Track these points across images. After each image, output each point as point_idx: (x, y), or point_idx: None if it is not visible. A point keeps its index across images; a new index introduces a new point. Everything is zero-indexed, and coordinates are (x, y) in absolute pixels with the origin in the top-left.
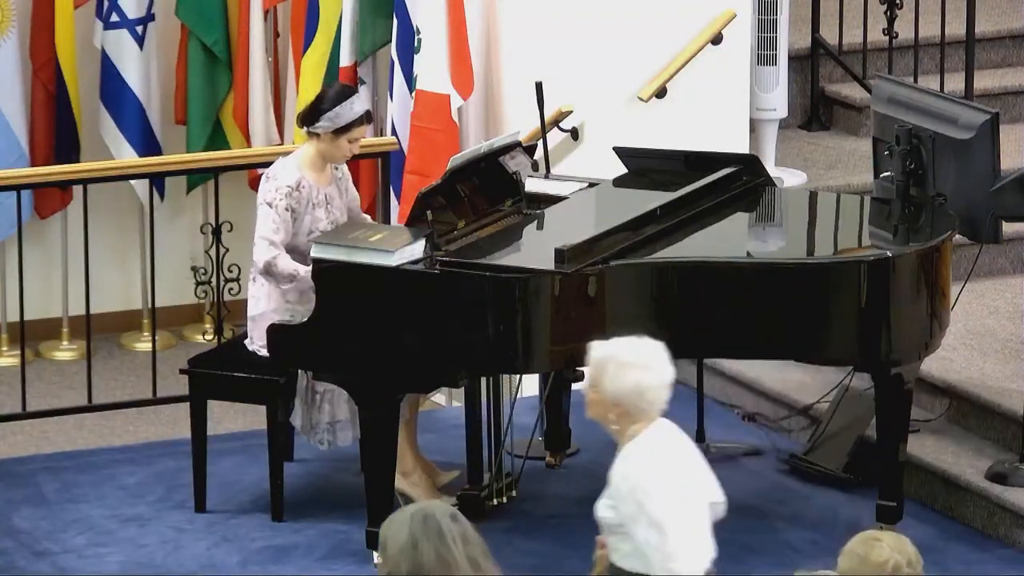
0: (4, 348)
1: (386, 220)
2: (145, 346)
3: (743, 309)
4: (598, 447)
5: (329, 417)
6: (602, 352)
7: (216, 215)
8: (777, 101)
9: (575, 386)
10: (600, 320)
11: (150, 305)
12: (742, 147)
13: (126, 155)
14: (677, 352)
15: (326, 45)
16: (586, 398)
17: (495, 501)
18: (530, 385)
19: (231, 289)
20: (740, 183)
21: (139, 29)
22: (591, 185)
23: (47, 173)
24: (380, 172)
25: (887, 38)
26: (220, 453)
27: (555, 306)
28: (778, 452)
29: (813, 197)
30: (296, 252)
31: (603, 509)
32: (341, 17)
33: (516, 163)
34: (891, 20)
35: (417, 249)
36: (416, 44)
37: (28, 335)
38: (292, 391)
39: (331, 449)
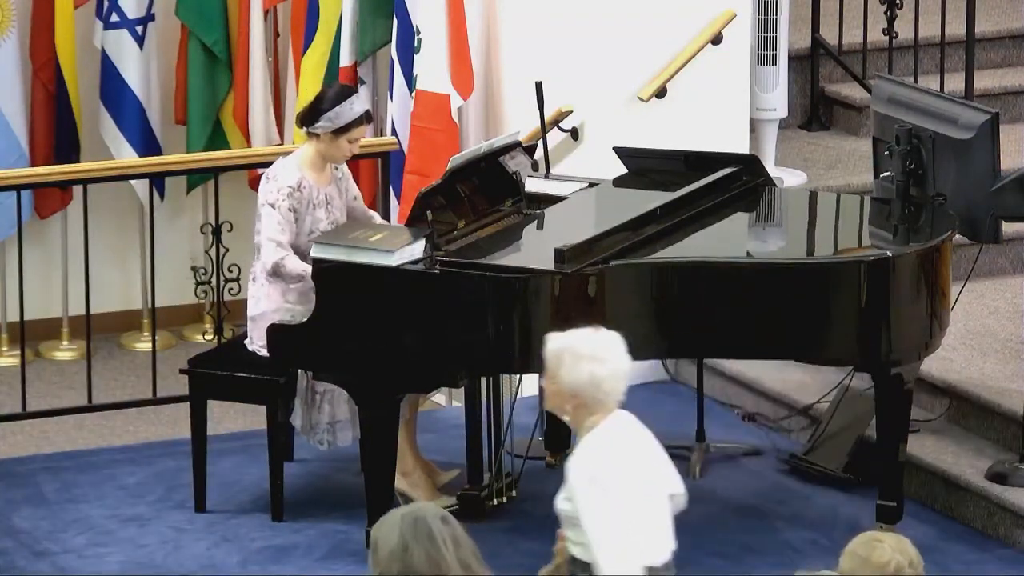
0: (4, 348)
1: (386, 220)
2: (145, 346)
3: (743, 309)
4: None
5: (329, 417)
6: (558, 344)
7: (216, 215)
8: (777, 101)
9: None
10: (600, 320)
11: (150, 305)
12: (742, 147)
13: (126, 155)
14: (677, 352)
15: (326, 45)
16: (544, 390)
17: (495, 501)
18: (530, 385)
19: (231, 289)
20: (740, 183)
21: (139, 29)
22: (591, 185)
23: (47, 173)
24: (380, 172)
25: (887, 38)
26: (220, 453)
27: (555, 306)
28: (778, 452)
29: (813, 197)
30: (297, 252)
31: (561, 501)
32: (341, 17)
33: (516, 163)
34: (891, 20)
35: (417, 249)
36: (416, 44)
37: (28, 335)
38: (292, 391)
39: (331, 449)
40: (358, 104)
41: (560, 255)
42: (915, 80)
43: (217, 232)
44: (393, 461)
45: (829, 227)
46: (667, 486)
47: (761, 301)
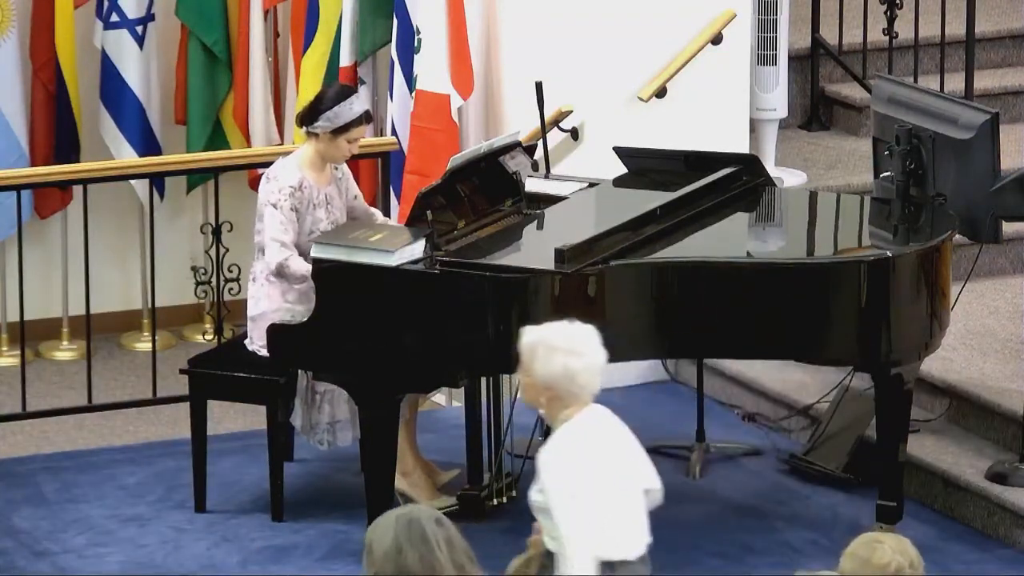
0: (4, 348)
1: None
2: (145, 346)
3: (743, 309)
4: None
5: (329, 417)
6: (533, 337)
7: (216, 215)
8: (777, 101)
9: None
10: (600, 320)
11: (150, 305)
12: (742, 147)
13: (126, 155)
14: (677, 352)
15: (326, 45)
16: (519, 383)
17: (495, 501)
18: None
19: (231, 289)
20: (740, 183)
21: (139, 29)
22: (591, 185)
23: (47, 173)
24: (380, 172)
25: (887, 38)
26: (220, 453)
27: (555, 306)
28: (778, 452)
29: (813, 197)
30: (298, 252)
31: (534, 493)
32: (341, 17)
33: (516, 163)
34: (891, 20)
35: (417, 249)
36: (416, 44)
37: (28, 335)
38: (292, 391)
39: (331, 449)
40: (357, 104)
41: (560, 255)
42: (915, 80)
43: (217, 232)
44: (393, 461)
45: (829, 227)
46: (643, 481)
47: (761, 301)
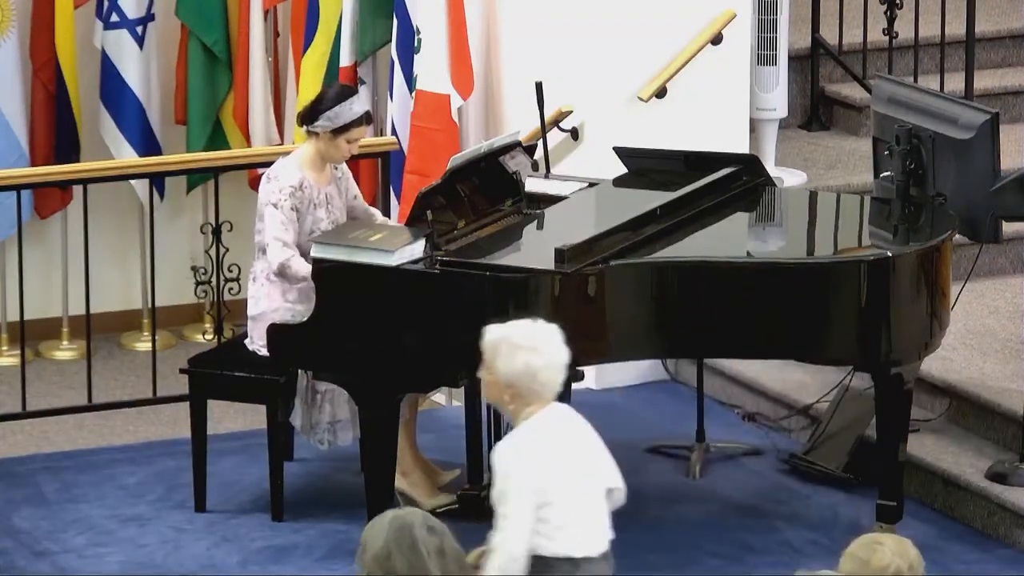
0: (4, 348)
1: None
2: (145, 346)
3: (743, 309)
4: None
5: (330, 417)
6: (495, 335)
7: (216, 215)
8: (777, 101)
9: (575, 386)
10: (600, 320)
11: (150, 305)
12: (742, 147)
13: (126, 155)
14: (677, 352)
15: (326, 45)
16: (482, 381)
17: None
18: None
19: (231, 289)
20: (740, 183)
21: (139, 29)
22: (591, 185)
23: (47, 173)
24: (380, 172)
25: (887, 38)
26: (220, 453)
27: (555, 306)
28: (778, 452)
29: (813, 197)
30: (299, 252)
31: (495, 490)
32: (341, 17)
33: (516, 163)
34: (891, 20)
35: (417, 249)
36: (416, 44)
37: (28, 335)
38: (292, 391)
39: (331, 449)
40: (357, 105)
41: (560, 255)
42: (915, 80)
43: (217, 232)
44: (393, 461)
45: (829, 227)
46: (605, 480)
47: (761, 301)
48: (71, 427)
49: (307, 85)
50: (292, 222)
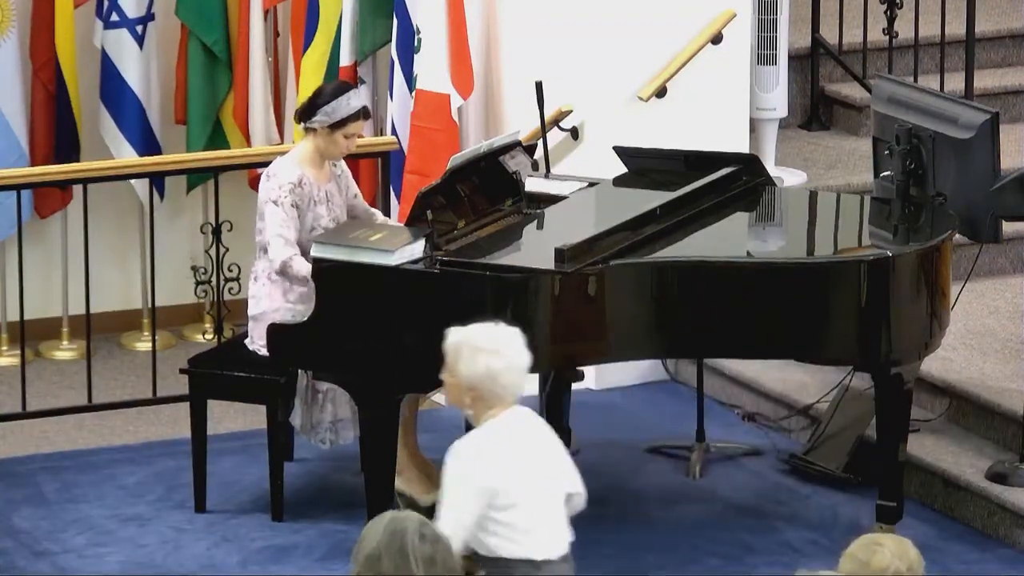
0: (4, 348)
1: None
2: (145, 346)
3: (743, 309)
4: (598, 447)
5: (331, 416)
6: (457, 337)
7: (216, 215)
8: (777, 101)
9: (575, 386)
10: (600, 320)
11: (150, 305)
12: (742, 147)
13: (126, 155)
14: (677, 352)
15: (326, 45)
16: (444, 383)
17: None
18: (530, 385)
19: (231, 289)
20: (740, 183)
21: (139, 29)
22: (591, 185)
23: (47, 173)
24: (380, 172)
25: (887, 38)
26: (220, 453)
27: (555, 306)
28: (778, 452)
29: (813, 197)
30: (299, 250)
31: None
32: (341, 17)
33: (516, 163)
34: (891, 20)
35: (417, 249)
36: (416, 44)
37: (28, 335)
38: (292, 391)
39: (332, 449)
40: (355, 99)
41: (560, 255)
42: (915, 80)
43: (217, 232)
44: (393, 461)
45: (829, 227)
46: (564, 484)
47: (761, 301)
48: (71, 427)
49: (307, 85)
50: (293, 219)
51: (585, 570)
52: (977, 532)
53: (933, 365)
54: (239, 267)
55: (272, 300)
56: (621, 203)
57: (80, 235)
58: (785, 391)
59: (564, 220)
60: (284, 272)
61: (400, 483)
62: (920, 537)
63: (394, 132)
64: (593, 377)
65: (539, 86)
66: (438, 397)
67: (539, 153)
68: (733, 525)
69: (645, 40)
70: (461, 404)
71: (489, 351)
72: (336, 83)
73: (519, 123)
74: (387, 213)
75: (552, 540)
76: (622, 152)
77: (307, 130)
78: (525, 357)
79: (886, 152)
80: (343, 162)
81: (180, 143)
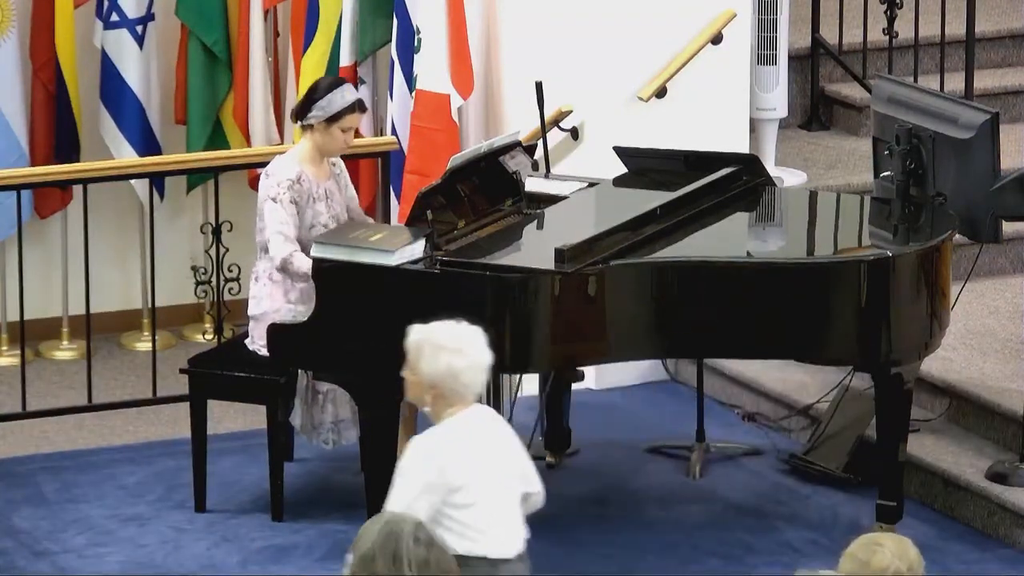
0: (4, 348)
1: (386, 220)
2: (145, 346)
3: (743, 309)
4: (598, 447)
5: (332, 417)
6: (419, 335)
7: (216, 215)
8: (777, 101)
9: (575, 386)
10: (600, 320)
11: (150, 305)
12: (742, 147)
13: (126, 155)
14: (677, 352)
15: (326, 45)
16: (405, 381)
17: None
18: (530, 385)
19: (231, 289)
20: (740, 183)
21: (139, 29)
22: (591, 185)
23: (47, 173)
24: (380, 172)
25: (887, 38)
26: (220, 453)
27: (555, 306)
28: (778, 452)
29: (813, 197)
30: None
31: None
32: (341, 17)
33: (516, 163)
34: (891, 20)
35: (417, 249)
36: (416, 44)
37: (28, 335)
38: (292, 391)
39: (332, 449)
40: (349, 93)
41: (560, 255)
42: (915, 80)
43: (217, 232)
44: (393, 461)
45: (829, 227)
46: (522, 484)
47: (761, 301)
48: (71, 427)
49: (307, 85)
50: (292, 216)
51: (585, 570)
52: (977, 532)
53: (933, 365)
54: (239, 267)
55: (273, 300)
56: (621, 203)
57: (80, 235)
58: (785, 391)
59: (564, 220)
60: (285, 269)
61: None
62: (920, 537)
63: (394, 132)
64: (593, 377)
65: (539, 86)
66: None
67: (539, 153)
68: (733, 525)
69: (645, 40)
70: (421, 402)
71: (451, 349)
72: (330, 79)
73: (519, 123)
74: (387, 213)
75: (508, 539)
76: (622, 152)
77: (304, 128)
78: (487, 356)
79: (886, 152)
80: (342, 162)
81: (180, 143)
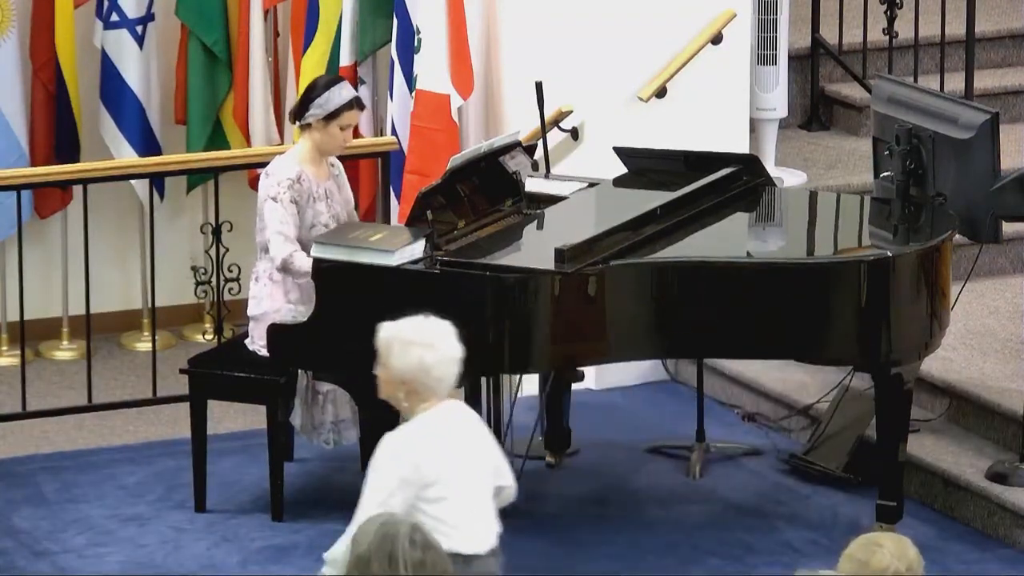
0: (4, 348)
1: (386, 220)
2: (145, 346)
3: (743, 309)
4: (598, 447)
5: (333, 417)
6: (388, 332)
7: (216, 215)
8: (777, 101)
9: (575, 386)
10: (600, 320)
11: (150, 305)
12: (742, 147)
13: (126, 155)
14: (677, 352)
15: (326, 45)
16: (377, 378)
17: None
18: (530, 385)
19: (231, 289)
20: (740, 183)
21: (139, 29)
22: (591, 185)
23: (47, 173)
24: (380, 172)
25: (887, 38)
26: (220, 453)
27: (555, 306)
28: (778, 452)
29: (813, 197)
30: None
31: None
32: (341, 17)
33: (516, 163)
34: (891, 20)
35: (417, 249)
36: (416, 44)
37: (28, 335)
38: (292, 391)
39: (333, 448)
40: (346, 90)
41: (560, 255)
42: (915, 80)
43: (217, 232)
44: None
45: (829, 227)
46: (495, 478)
47: (761, 301)
48: (71, 427)
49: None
50: (292, 215)
51: (585, 570)
52: (977, 532)
53: (933, 365)
54: (239, 267)
55: (273, 300)
56: (621, 203)
57: (80, 235)
58: (785, 391)
59: (564, 220)
60: (286, 269)
61: None
62: (920, 537)
63: (394, 132)
64: (593, 377)
65: (539, 86)
66: None
67: (539, 153)
68: (733, 525)
69: (645, 40)
70: (395, 398)
71: (421, 344)
72: (327, 77)
73: (519, 123)
74: (387, 213)
75: (481, 534)
76: (622, 152)
77: (303, 128)
78: (457, 349)
79: (886, 152)
80: (340, 164)
81: (180, 143)
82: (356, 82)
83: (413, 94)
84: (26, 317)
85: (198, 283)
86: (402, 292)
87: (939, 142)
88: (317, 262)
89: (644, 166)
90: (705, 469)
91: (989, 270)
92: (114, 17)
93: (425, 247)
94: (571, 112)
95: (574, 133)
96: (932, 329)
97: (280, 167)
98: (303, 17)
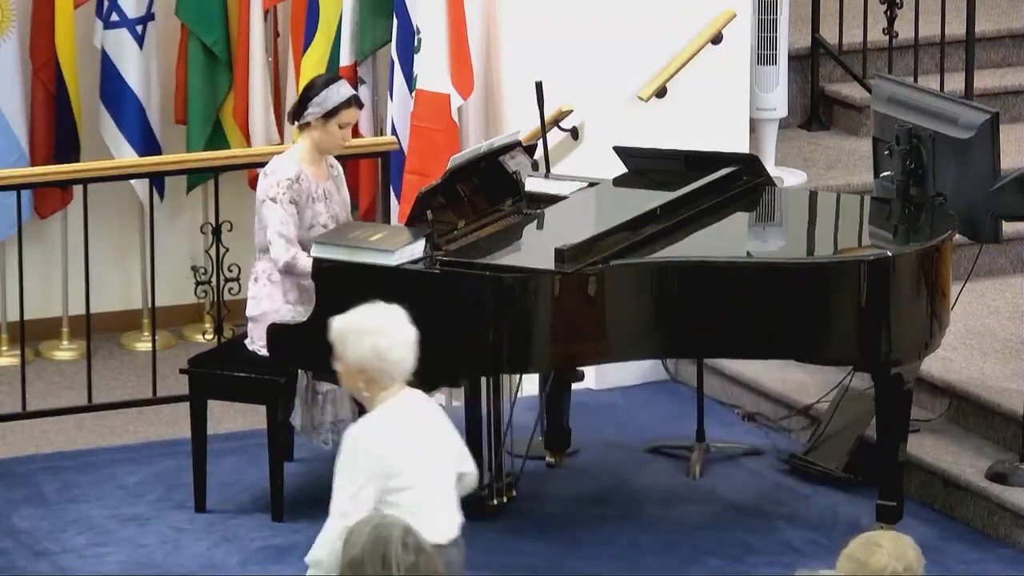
0: (4, 348)
1: (386, 220)
2: (145, 346)
3: (743, 309)
4: (598, 447)
5: (332, 417)
6: (340, 324)
7: (216, 215)
8: (777, 101)
9: (575, 386)
10: (600, 320)
11: (150, 305)
12: (742, 147)
13: (126, 155)
14: (677, 352)
15: (326, 45)
16: (338, 374)
17: (495, 501)
18: (530, 385)
19: (231, 289)
20: (740, 183)
21: (139, 29)
22: (591, 185)
23: (47, 173)
24: (380, 172)
25: (887, 38)
26: (220, 453)
27: (555, 306)
28: (778, 452)
29: (813, 197)
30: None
31: None
32: (341, 17)
33: (516, 163)
34: (891, 20)
35: (417, 249)
36: (416, 44)
37: (28, 335)
38: (292, 391)
39: (334, 448)
40: (344, 88)
41: (560, 255)
42: (915, 80)
43: (217, 232)
44: None
45: (829, 227)
46: (456, 465)
47: (761, 301)
48: (71, 427)
49: None
50: (292, 216)
51: (585, 570)
52: (977, 532)
53: (933, 365)
54: (239, 267)
55: (272, 301)
56: (621, 203)
57: (80, 235)
58: (785, 391)
59: (564, 220)
60: (290, 271)
61: None
62: (920, 537)
63: (394, 132)
64: (593, 377)
65: (539, 86)
66: (438, 397)
67: (539, 153)
68: (733, 525)
69: (645, 40)
70: (356, 389)
71: (372, 331)
72: (325, 76)
73: (519, 123)
74: (387, 213)
75: (443, 524)
76: (622, 152)
77: (302, 127)
78: (410, 332)
79: (886, 152)
80: (339, 165)
81: (180, 143)
82: (356, 82)
83: (413, 94)
84: (26, 317)
85: (198, 283)
86: (402, 292)
87: (939, 142)
88: (317, 262)
89: (644, 166)
90: (705, 469)
91: (989, 270)
92: (114, 17)
93: (425, 247)
94: (571, 112)
95: (574, 133)
96: (932, 329)
97: (279, 167)
98: (303, 17)
